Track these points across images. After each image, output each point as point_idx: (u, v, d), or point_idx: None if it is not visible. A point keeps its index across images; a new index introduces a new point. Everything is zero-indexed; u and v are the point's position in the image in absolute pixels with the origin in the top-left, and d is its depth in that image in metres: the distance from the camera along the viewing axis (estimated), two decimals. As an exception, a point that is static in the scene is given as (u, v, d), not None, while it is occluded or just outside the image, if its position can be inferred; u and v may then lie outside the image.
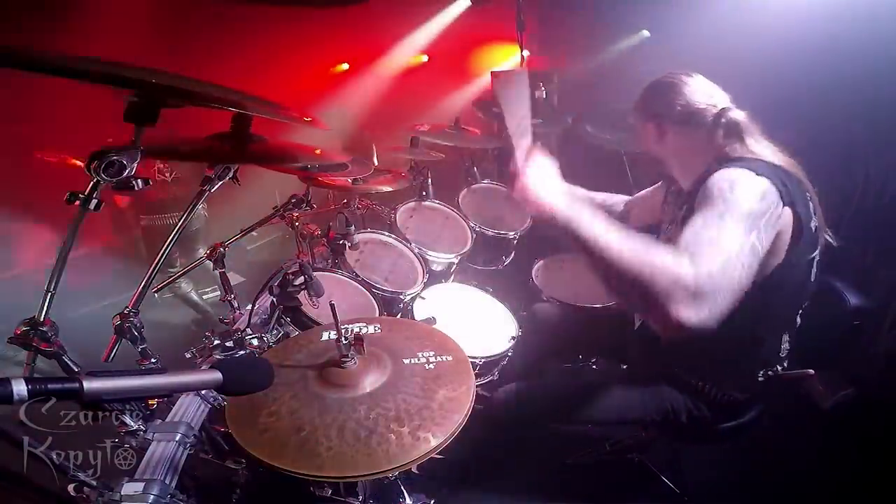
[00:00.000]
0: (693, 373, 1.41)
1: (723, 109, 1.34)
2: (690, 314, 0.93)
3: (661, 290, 0.94)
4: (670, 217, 1.55)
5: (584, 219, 1.04)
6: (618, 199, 1.93)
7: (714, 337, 0.99)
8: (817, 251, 1.32)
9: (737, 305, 1.01)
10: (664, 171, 1.56)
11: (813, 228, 1.26)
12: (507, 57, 4.65)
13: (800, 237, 1.21)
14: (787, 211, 1.19)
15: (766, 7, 2.43)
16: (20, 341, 0.96)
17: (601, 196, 1.94)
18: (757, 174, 1.17)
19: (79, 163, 2.76)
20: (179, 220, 1.29)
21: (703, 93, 1.38)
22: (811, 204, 1.27)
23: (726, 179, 1.16)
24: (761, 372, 1.38)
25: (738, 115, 1.34)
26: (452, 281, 2.21)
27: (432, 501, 1.59)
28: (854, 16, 2.12)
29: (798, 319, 1.38)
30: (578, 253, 1.04)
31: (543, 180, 1.13)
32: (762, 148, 1.31)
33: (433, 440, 0.93)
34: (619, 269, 0.98)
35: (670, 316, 0.94)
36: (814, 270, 1.34)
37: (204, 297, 3.27)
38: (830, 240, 1.37)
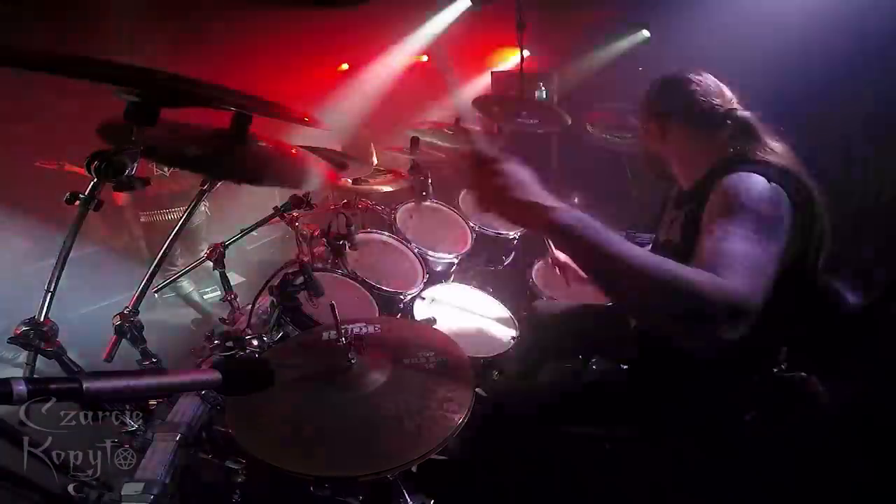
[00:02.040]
0: (692, 375, 1.41)
1: (730, 109, 1.33)
2: (731, 331, 0.84)
3: (697, 307, 0.84)
4: (671, 216, 1.55)
5: (605, 233, 0.88)
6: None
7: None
8: (821, 256, 1.30)
9: None
10: (665, 169, 1.52)
11: (820, 233, 1.23)
12: (507, 57, 4.65)
13: (802, 243, 1.18)
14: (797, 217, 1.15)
15: (766, 7, 2.44)
16: (20, 341, 0.96)
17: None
18: (769, 180, 1.13)
19: (75, 167, 2.76)
20: (180, 220, 1.29)
21: (712, 92, 1.36)
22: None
23: (743, 185, 1.11)
24: (758, 376, 1.38)
25: (747, 115, 1.32)
26: (452, 281, 2.20)
27: (432, 501, 1.59)
28: (854, 16, 2.12)
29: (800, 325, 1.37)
30: (592, 270, 0.93)
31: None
32: (774, 149, 1.28)
33: (433, 440, 0.93)
34: (647, 284, 0.85)
35: (711, 333, 0.85)
36: (818, 275, 1.32)
37: (204, 296, 3.27)
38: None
